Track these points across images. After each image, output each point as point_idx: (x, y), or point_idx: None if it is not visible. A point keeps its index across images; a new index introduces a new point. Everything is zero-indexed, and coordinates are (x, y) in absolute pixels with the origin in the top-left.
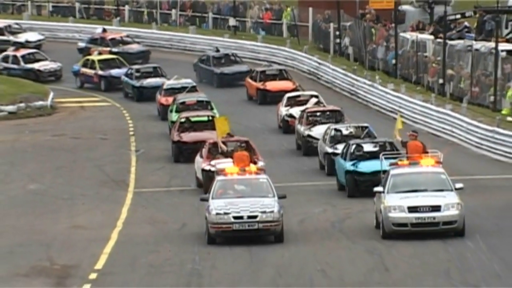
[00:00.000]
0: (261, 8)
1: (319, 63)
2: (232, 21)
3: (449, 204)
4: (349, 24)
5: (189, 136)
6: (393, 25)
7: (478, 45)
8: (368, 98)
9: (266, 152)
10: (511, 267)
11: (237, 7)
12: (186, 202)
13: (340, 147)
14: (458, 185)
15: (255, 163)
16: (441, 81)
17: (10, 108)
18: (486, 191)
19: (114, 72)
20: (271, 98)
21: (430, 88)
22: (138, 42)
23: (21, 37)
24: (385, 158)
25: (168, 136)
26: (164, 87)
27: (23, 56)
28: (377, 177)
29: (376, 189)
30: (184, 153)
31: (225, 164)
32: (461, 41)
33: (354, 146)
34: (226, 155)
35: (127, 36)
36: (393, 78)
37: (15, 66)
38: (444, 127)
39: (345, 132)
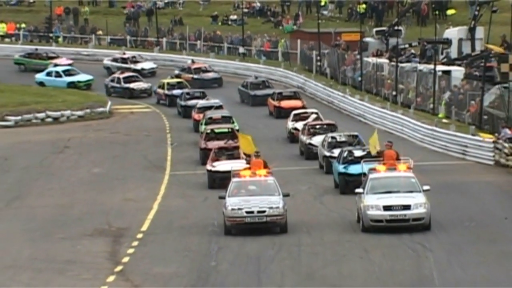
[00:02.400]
0: (262, 40)
1: (305, 80)
2: (241, 49)
3: (417, 204)
4: (327, 51)
5: (213, 144)
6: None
7: (421, 66)
8: (341, 106)
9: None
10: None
11: (245, 39)
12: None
13: (335, 151)
14: (425, 187)
15: (266, 167)
16: (394, 93)
17: (79, 113)
18: (428, 174)
19: (176, 92)
20: (284, 114)
21: (386, 98)
22: (215, 71)
23: (139, 66)
24: (365, 163)
25: (198, 143)
26: (197, 106)
27: (124, 78)
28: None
29: (357, 190)
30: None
31: (225, 165)
32: (409, 64)
33: (346, 152)
34: (247, 161)
35: (209, 66)
36: (359, 91)
37: (117, 85)
38: (396, 127)
39: (339, 139)
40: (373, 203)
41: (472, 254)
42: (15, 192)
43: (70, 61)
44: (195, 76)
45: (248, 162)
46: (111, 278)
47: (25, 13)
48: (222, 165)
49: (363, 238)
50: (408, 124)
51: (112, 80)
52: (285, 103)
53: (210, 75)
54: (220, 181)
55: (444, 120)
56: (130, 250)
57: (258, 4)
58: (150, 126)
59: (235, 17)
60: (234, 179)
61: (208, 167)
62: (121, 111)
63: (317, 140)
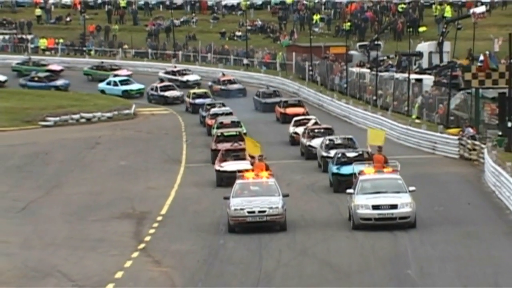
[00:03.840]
0: (263, 52)
1: (299, 87)
2: (245, 61)
3: (404, 203)
4: (317, 62)
5: (222, 145)
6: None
7: (397, 75)
8: (330, 108)
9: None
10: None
11: (248, 52)
12: None
13: (332, 152)
14: (411, 188)
15: (268, 170)
16: (374, 97)
17: (109, 114)
18: (403, 166)
19: (198, 101)
20: (289, 119)
21: (367, 101)
22: (239, 83)
23: (185, 78)
24: (356, 165)
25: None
26: (210, 112)
27: (161, 87)
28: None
29: (348, 191)
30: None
31: (232, 166)
32: (387, 73)
33: (339, 154)
34: (251, 162)
35: (234, 78)
36: (345, 95)
37: (155, 93)
38: (376, 126)
39: (336, 142)
40: (362, 202)
41: (440, 234)
42: (54, 181)
43: (129, 72)
44: (223, 87)
45: (252, 164)
46: (135, 254)
47: (63, 30)
48: (229, 166)
49: (349, 221)
50: (386, 123)
51: (152, 89)
52: (290, 110)
53: (236, 86)
54: (227, 180)
55: (417, 121)
56: (151, 231)
57: (260, 22)
58: (168, 126)
59: (240, 33)
60: (238, 181)
61: (216, 167)
62: (143, 113)
63: (316, 142)
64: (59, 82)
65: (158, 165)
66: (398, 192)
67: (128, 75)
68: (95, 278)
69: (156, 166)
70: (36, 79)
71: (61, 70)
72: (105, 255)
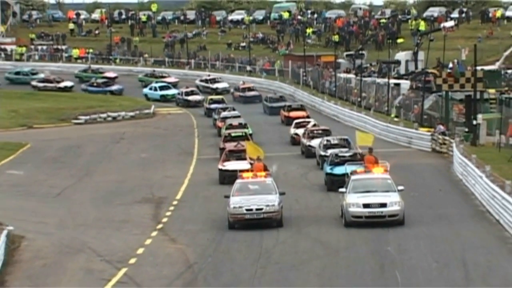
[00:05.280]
0: (263, 60)
1: (294, 90)
2: (248, 67)
3: (393, 202)
4: (310, 69)
5: (229, 145)
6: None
7: (378, 80)
8: (321, 108)
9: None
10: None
11: (251, 60)
12: None
13: (329, 151)
14: (400, 188)
15: (266, 170)
16: (359, 99)
17: (131, 113)
18: (384, 158)
19: (213, 106)
20: (292, 122)
21: (353, 103)
22: (256, 90)
23: (215, 85)
24: (348, 165)
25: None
26: (221, 116)
27: (185, 92)
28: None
29: (340, 190)
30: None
31: (233, 165)
32: (369, 78)
33: (333, 155)
34: (251, 163)
35: (252, 86)
36: (333, 97)
37: (180, 97)
38: (360, 124)
39: (332, 142)
40: (354, 201)
41: (415, 216)
42: (84, 171)
43: (176, 80)
44: (241, 94)
45: (251, 164)
46: (154, 233)
47: (92, 42)
48: (231, 165)
49: (337, 204)
50: (369, 121)
51: (179, 94)
52: (293, 114)
53: (252, 93)
54: (229, 178)
55: (395, 119)
56: (168, 213)
57: (261, 35)
58: (182, 124)
59: (244, 44)
60: (237, 180)
61: (219, 166)
62: (161, 112)
63: (315, 142)
64: (114, 87)
65: (174, 157)
66: (387, 191)
67: (176, 82)
68: (119, 253)
69: (171, 158)
70: (95, 84)
71: (116, 77)
72: (128, 234)
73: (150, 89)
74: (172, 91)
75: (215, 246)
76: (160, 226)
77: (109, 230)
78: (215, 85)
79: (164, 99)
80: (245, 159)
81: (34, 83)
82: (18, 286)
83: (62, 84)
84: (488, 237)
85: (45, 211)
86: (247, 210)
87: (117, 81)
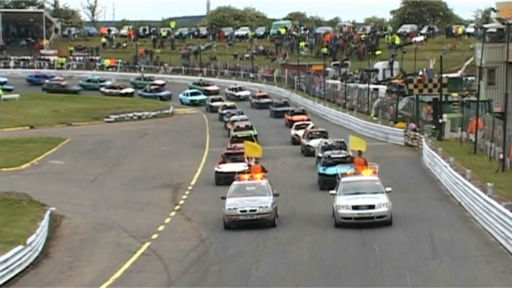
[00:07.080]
0: (264, 69)
1: (290, 93)
2: (251, 75)
3: (381, 204)
4: (303, 76)
5: (236, 146)
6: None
7: (360, 85)
8: (312, 109)
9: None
10: None
11: (253, 68)
12: None
13: (326, 152)
14: (388, 189)
15: (263, 171)
16: (344, 101)
17: (153, 113)
18: (366, 151)
19: (225, 111)
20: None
21: (339, 104)
22: (269, 97)
23: (238, 93)
24: (339, 167)
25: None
26: (231, 119)
27: (211, 99)
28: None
29: (331, 192)
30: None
31: (229, 167)
32: (353, 84)
33: (326, 156)
34: (250, 164)
35: (267, 94)
36: (323, 100)
37: (207, 103)
38: (345, 122)
39: (330, 144)
40: (343, 203)
41: (391, 199)
42: (114, 161)
43: (217, 88)
44: (256, 101)
45: (249, 166)
46: (172, 213)
47: (121, 53)
48: (226, 167)
49: (327, 195)
50: (352, 120)
51: (207, 100)
52: (295, 117)
53: (266, 100)
54: (224, 179)
55: (374, 118)
56: (184, 196)
57: (262, 47)
58: (196, 122)
59: (247, 55)
60: (234, 182)
61: (216, 168)
62: (178, 112)
63: (313, 142)
64: (163, 93)
65: (189, 149)
66: (375, 193)
67: (217, 90)
68: (144, 230)
69: (187, 150)
70: (148, 90)
71: (163, 84)
72: (151, 214)
73: (184, 94)
74: (201, 97)
75: (224, 224)
76: (177, 207)
77: (134, 210)
78: (238, 93)
79: (193, 103)
80: (241, 161)
81: (102, 89)
82: (60, 256)
83: (123, 91)
84: (452, 216)
85: (81, 194)
86: (241, 211)
87: (166, 88)
